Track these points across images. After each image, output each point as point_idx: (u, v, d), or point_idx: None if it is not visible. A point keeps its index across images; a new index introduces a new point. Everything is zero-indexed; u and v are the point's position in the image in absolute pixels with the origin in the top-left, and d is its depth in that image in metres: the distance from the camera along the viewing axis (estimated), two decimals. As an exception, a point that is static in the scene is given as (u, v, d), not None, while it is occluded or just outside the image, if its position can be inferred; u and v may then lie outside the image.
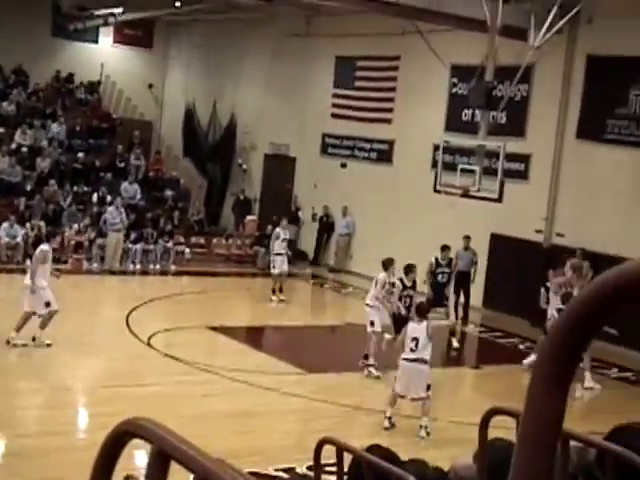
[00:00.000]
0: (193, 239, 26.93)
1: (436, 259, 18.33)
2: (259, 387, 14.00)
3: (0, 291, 20.63)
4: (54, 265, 16.31)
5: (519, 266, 21.12)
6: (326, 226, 27.54)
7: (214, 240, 27.58)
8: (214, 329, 18.13)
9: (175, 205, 28.27)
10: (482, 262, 21.48)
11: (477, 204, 20.30)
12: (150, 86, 34.03)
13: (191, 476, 1.20)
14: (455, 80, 23.44)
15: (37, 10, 30.36)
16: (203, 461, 1.15)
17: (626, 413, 10.89)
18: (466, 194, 19.54)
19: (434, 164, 22.34)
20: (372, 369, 15.12)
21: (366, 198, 25.79)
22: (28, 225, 23.73)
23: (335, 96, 27.28)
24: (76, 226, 24.53)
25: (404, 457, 4.65)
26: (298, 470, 10.46)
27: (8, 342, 14.93)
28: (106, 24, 30.52)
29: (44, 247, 15.50)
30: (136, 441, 1.28)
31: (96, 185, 27.21)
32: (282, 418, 12.91)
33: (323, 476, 4.87)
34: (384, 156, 25.81)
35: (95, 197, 26.52)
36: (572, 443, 2.62)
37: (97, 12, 29.76)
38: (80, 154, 28.27)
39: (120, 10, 28.85)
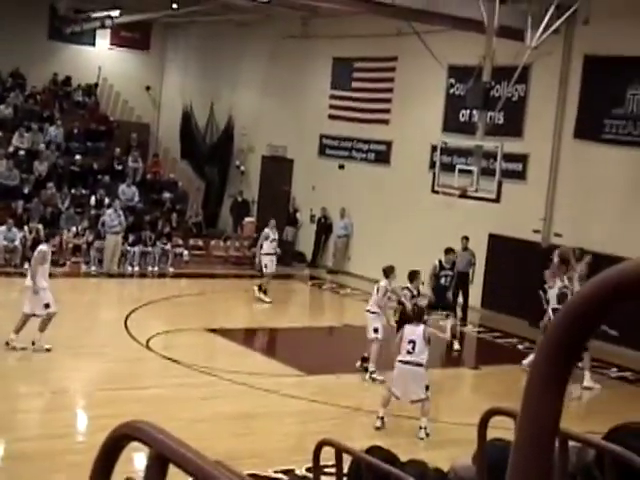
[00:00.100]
0: (191, 241, 26.93)
1: (440, 262, 18.26)
2: (258, 389, 13.99)
3: (-2, 294, 20.60)
4: (51, 267, 16.27)
5: (517, 266, 21.13)
6: (324, 227, 27.54)
7: (212, 242, 27.59)
8: (213, 331, 18.13)
9: (173, 207, 28.27)
10: (480, 262, 21.50)
11: (475, 204, 20.30)
12: (147, 88, 34.04)
13: (190, 479, 1.20)
14: (452, 81, 23.45)
15: (34, 13, 30.36)
16: (201, 464, 1.15)
17: (625, 413, 10.88)
18: (464, 195, 19.54)
19: (432, 165, 22.34)
20: (375, 375, 15.04)
21: (364, 199, 25.80)
22: (26, 228, 23.72)
23: (332, 97, 27.29)
24: (74, 229, 24.52)
25: (403, 458, 4.65)
26: (297, 472, 10.47)
27: (7, 344, 14.92)
28: (103, 27, 30.51)
29: (43, 247, 15.49)
30: (135, 444, 1.28)
31: (94, 188, 27.21)
32: (281, 420, 12.91)
33: (322, 478, 4.87)
34: (382, 157, 25.82)
35: (93, 200, 26.51)
36: (571, 443, 2.62)
37: (94, 15, 29.74)
38: (78, 157, 28.26)
39: (117, 13, 28.85)
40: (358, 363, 15.63)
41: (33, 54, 30.55)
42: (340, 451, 4.20)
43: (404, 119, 24.86)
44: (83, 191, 27.06)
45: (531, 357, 16.04)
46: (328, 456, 4.46)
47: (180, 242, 26.12)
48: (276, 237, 22.35)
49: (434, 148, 22.24)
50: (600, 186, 20.01)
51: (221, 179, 31.38)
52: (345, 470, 4.34)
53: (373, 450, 4.51)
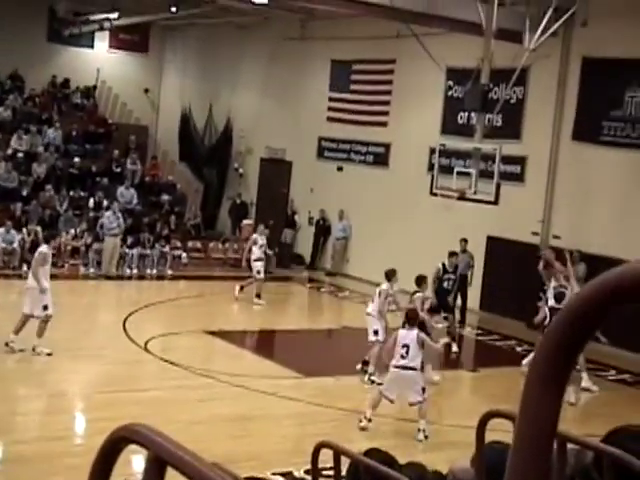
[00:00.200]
0: (190, 243, 26.92)
1: (443, 265, 18.22)
2: (256, 391, 13.98)
3: (-3, 297, 20.59)
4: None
5: (516, 269, 21.13)
6: (323, 230, 27.54)
7: (211, 244, 27.57)
8: (211, 333, 18.12)
9: (172, 210, 28.27)
10: (479, 265, 21.51)
11: (473, 207, 20.30)
12: (146, 91, 34.05)
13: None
14: (451, 83, 23.47)
15: (33, 15, 30.38)
16: (199, 467, 1.14)
17: (624, 415, 10.89)
18: (462, 197, 19.55)
19: (430, 167, 22.34)
20: (374, 377, 15.01)
21: (362, 201, 25.80)
22: (25, 230, 23.70)
23: (331, 99, 27.31)
24: (73, 231, 24.51)
25: (402, 461, 4.65)
26: (296, 474, 10.46)
27: (7, 344, 14.92)
28: (102, 29, 30.55)
29: (43, 249, 15.48)
30: (133, 446, 1.27)
31: (92, 190, 27.22)
32: (279, 422, 12.90)
33: (321, 480, 4.86)
34: (380, 159, 25.83)
35: (91, 202, 26.52)
36: (569, 446, 2.62)
37: (93, 17, 29.77)
38: (76, 159, 28.27)
39: (115, 15, 28.87)
40: (359, 366, 15.61)
41: (32, 56, 30.56)
42: (338, 453, 4.20)
43: (402, 121, 24.88)
44: (82, 193, 27.05)
45: (530, 357, 16.05)
46: (326, 458, 4.46)
47: (178, 244, 26.11)
48: (265, 242, 22.33)
49: (432, 150, 22.25)
50: (598, 188, 20.03)
51: (220, 181, 31.39)
52: (343, 472, 4.33)
53: (371, 452, 4.51)
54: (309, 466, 4.78)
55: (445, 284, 18.04)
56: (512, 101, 21.64)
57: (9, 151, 27.53)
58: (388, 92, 25.48)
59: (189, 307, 21.06)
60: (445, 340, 14.84)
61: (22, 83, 31.23)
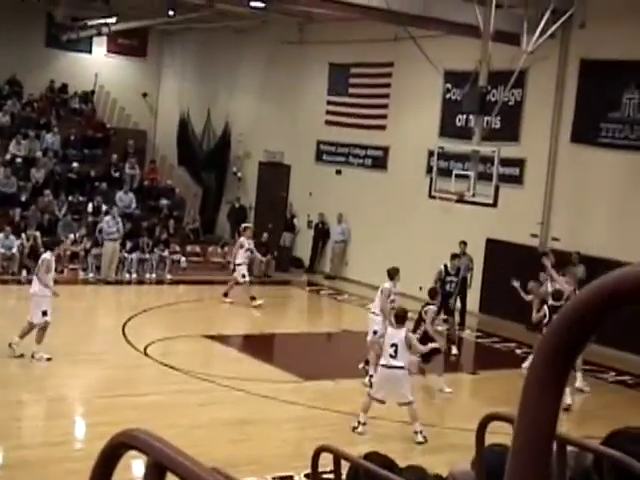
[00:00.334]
0: (189, 248, 26.92)
1: (445, 267, 18.21)
2: (256, 395, 13.98)
3: (-4, 302, 20.59)
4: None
5: (515, 271, 21.07)
6: (321, 233, 27.55)
7: (210, 248, 27.56)
8: (211, 337, 18.12)
9: (170, 214, 28.26)
10: (478, 267, 21.52)
11: (472, 209, 20.31)
12: (144, 95, 34.04)
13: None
14: (449, 86, 23.49)
15: (31, 20, 30.38)
16: (199, 472, 1.14)
17: (624, 417, 10.89)
18: (461, 200, 19.55)
19: (429, 170, 22.35)
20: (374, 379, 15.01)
21: (361, 205, 25.81)
22: (23, 236, 23.68)
23: (329, 103, 27.32)
24: (72, 236, 24.50)
25: (402, 464, 4.65)
26: (296, 478, 10.46)
27: (10, 345, 14.94)
28: (99, 34, 30.54)
29: (46, 256, 15.51)
30: (133, 451, 1.27)
31: (91, 195, 27.21)
32: (279, 426, 12.90)
33: (321, 484, 4.86)
34: (379, 162, 25.84)
35: (90, 207, 26.51)
36: (569, 448, 2.62)
37: (90, 22, 29.77)
38: (75, 164, 28.25)
39: (113, 20, 28.88)
40: (361, 365, 15.61)
41: (30, 61, 30.56)
42: (338, 457, 4.20)
43: (401, 124, 24.89)
44: (80, 198, 27.04)
45: (530, 359, 16.06)
46: (326, 462, 4.46)
47: (177, 249, 26.09)
48: (251, 247, 22.34)
49: (431, 153, 22.26)
50: (597, 190, 20.04)
51: (218, 185, 31.40)
52: (343, 476, 4.33)
53: (371, 456, 4.51)
54: (309, 470, 4.78)
55: (447, 286, 18.01)
56: (510, 103, 21.66)
57: (7, 156, 27.52)
58: (386, 95, 25.50)
59: (188, 311, 21.05)
60: (434, 345, 14.80)
61: (20, 88, 31.23)
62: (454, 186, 19.77)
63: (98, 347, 16.85)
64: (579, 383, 15.62)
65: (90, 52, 32.93)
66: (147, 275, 24.72)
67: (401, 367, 12.50)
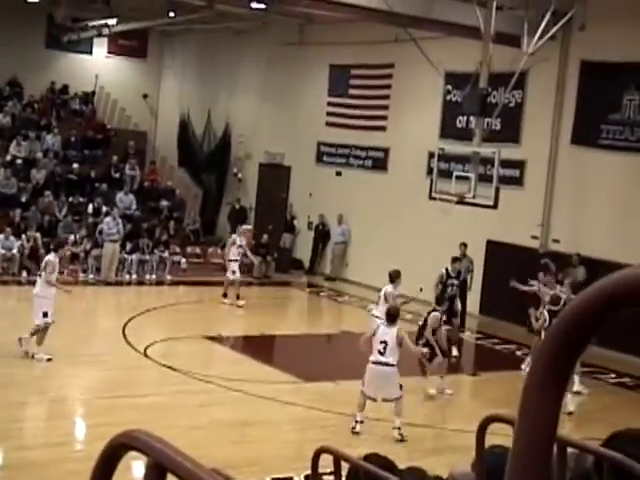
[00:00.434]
0: (189, 249, 26.92)
1: (446, 270, 18.14)
2: (256, 396, 13.97)
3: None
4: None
5: (516, 273, 21.10)
6: (322, 234, 27.55)
7: (210, 250, 27.57)
8: (211, 339, 18.12)
9: (171, 215, 28.26)
10: (478, 269, 21.51)
11: (473, 211, 20.31)
12: (145, 96, 34.04)
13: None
14: (449, 87, 23.49)
15: (31, 22, 30.37)
16: (199, 473, 1.14)
17: (624, 419, 10.89)
18: (461, 201, 19.55)
19: (429, 171, 22.35)
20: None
21: (362, 206, 25.81)
22: (24, 237, 23.69)
23: (329, 104, 27.32)
24: (72, 237, 24.49)
25: (402, 465, 4.65)
26: (296, 479, 10.45)
27: (20, 339, 15.04)
28: (100, 35, 30.55)
29: (50, 258, 15.55)
30: (133, 452, 1.27)
31: (91, 196, 27.20)
32: (279, 427, 12.89)
33: (321, 485, 4.86)
34: (379, 164, 25.84)
35: (90, 208, 26.50)
36: (569, 450, 2.62)
37: (91, 23, 29.77)
38: (75, 165, 28.25)
39: (114, 21, 28.89)
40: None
41: (30, 62, 30.56)
42: (338, 458, 4.20)
43: (401, 126, 24.89)
44: (81, 199, 27.03)
45: (529, 360, 16.07)
46: (326, 463, 4.46)
47: (178, 250, 26.10)
48: (243, 244, 22.43)
49: (431, 155, 22.26)
50: (597, 191, 20.04)
51: (218, 186, 31.40)
52: (343, 478, 4.33)
53: (371, 457, 4.51)
54: (309, 471, 4.78)
55: (449, 290, 17.94)
56: (511, 105, 21.66)
57: (8, 157, 27.51)
58: (387, 97, 25.50)
59: (188, 312, 21.04)
60: (422, 349, 14.80)
61: (21, 89, 31.24)
62: (454, 187, 19.77)
63: (98, 348, 16.85)
64: (577, 386, 15.61)
65: (91, 53, 32.94)
66: (147, 276, 24.72)
67: (389, 364, 12.56)
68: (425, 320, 15.11)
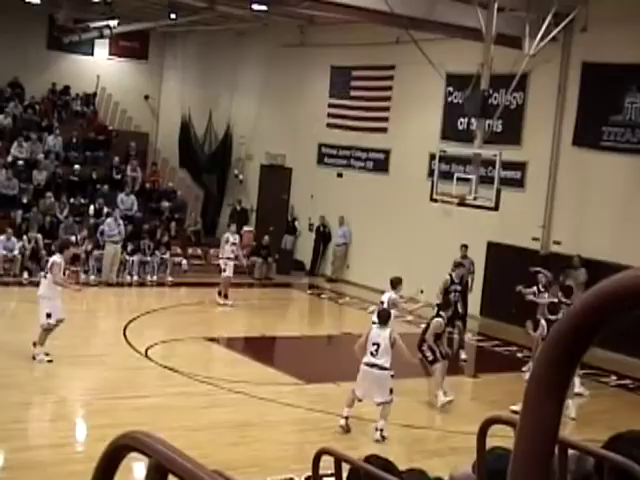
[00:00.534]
0: (190, 250, 26.91)
1: (450, 276, 18.02)
2: (257, 398, 13.98)
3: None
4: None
5: (517, 274, 21.09)
6: (323, 236, 27.55)
7: (211, 251, 27.53)
8: (212, 340, 18.12)
9: (172, 216, 28.26)
10: (479, 271, 21.49)
11: (474, 213, 20.30)
12: (146, 98, 34.07)
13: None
14: (450, 89, 23.49)
15: (33, 23, 30.40)
16: (201, 474, 1.14)
17: (625, 421, 10.89)
18: (463, 203, 19.54)
19: (430, 173, 22.34)
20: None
21: (363, 208, 25.81)
22: (25, 238, 23.70)
23: (330, 106, 27.32)
24: (73, 238, 24.48)
25: (403, 467, 4.65)
26: (297, 480, 10.45)
27: (34, 344, 15.10)
28: (101, 36, 30.55)
29: (56, 259, 15.56)
30: (134, 453, 1.27)
31: (93, 197, 27.20)
32: (280, 429, 12.89)
33: (322, 486, 4.86)
34: (380, 165, 25.84)
35: (92, 209, 26.50)
36: (570, 452, 2.62)
37: (92, 24, 29.78)
38: (76, 166, 28.26)
39: (115, 22, 28.90)
40: None
41: (32, 64, 30.58)
42: (339, 460, 4.19)
43: (402, 127, 24.89)
44: (82, 200, 27.04)
45: (530, 364, 16.05)
46: (327, 465, 4.45)
47: (179, 251, 26.11)
48: (236, 241, 22.48)
49: (432, 156, 22.26)
50: (599, 193, 20.04)
51: (220, 188, 31.41)
52: (344, 479, 4.33)
53: (372, 459, 4.51)
54: (310, 473, 4.77)
55: (452, 296, 17.82)
56: (512, 107, 21.65)
57: (9, 158, 27.52)
58: (388, 98, 25.51)
59: (190, 314, 21.05)
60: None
61: (22, 91, 31.25)
62: (455, 189, 19.77)
63: (99, 349, 16.85)
64: (577, 388, 15.60)
65: (92, 54, 32.96)
66: (148, 277, 24.72)
67: (381, 367, 12.56)
68: (428, 325, 15.06)
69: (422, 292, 18.00)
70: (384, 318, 13.04)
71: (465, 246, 20.43)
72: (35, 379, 14.52)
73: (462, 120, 22.93)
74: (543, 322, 14.86)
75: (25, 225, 24.65)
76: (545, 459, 1.10)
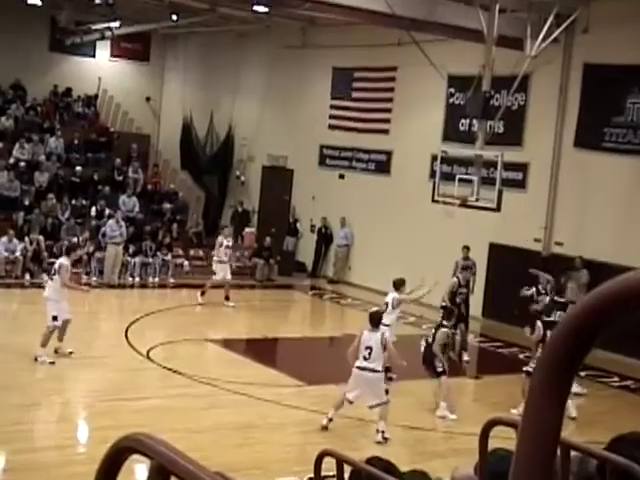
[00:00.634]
0: (192, 252, 26.90)
1: (458, 279, 18.05)
2: (259, 399, 13.97)
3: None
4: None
5: (518, 275, 21.09)
6: (324, 237, 27.54)
7: (213, 252, 27.52)
8: (214, 341, 18.11)
9: (173, 218, 28.26)
10: (481, 272, 21.48)
11: (475, 214, 20.30)
12: (147, 99, 34.08)
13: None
14: (452, 90, 23.48)
15: (34, 25, 30.42)
16: (203, 476, 1.15)
17: (627, 422, 10.88)
18: (464, 204, 19.54)
19: (432, 174, 22.35)
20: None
21: (364, 209, 25.81)
22: (27, 239, 23.71)
23: (332, 107, 27.33)
24: (75, 240, 24.50)
25: (404, 468, 4.65)
26: (299, 482, 10.45)
27: (56, 350, 15.31)
28: (103, 38, 30.58)
29: (63, 261, 15.62)
30: (137, 455, 1.28)
31: (94, 199, 27.20)
32: (282, 430, 12.88)
33: (324, 488, 4.86)
34: (382, 167, 25.84)
35: (93, 210, 26.51)
36: (573, 453, 2.62)
37: (94, 26, 29.80)
38: (78, 168, 28.27)
39: (117, 24, 28.91)
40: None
41: (34, 66, 30.60)
42: (341, 461, 4.19)
43: (404, 129, 24.89)
44: (84, 202, 27.05)
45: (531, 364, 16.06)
46: (329, 466, 4.46)
47: (181, 252, 26.11)
48: (230, 244, 22.53)
49: (434, 157, 22.26)
50: (600, 194, 20.03)
51: (221, 189, 31.41)
52: (346, 480, 4.33)
53: (373, 460, 4.51)
54: (312, 474, 4.78)
55: (458, 299, 17.83)
56: (514, 108, 21.65)
57: (11, 160, 27.53)
58: (389, 99, 25.51)
59: (191, 315, 21.05)
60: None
61: (24, 92, 31.26)
62: (457, 190, 19.77)
63: (101, 351, 16.85)
64: (574, 388, 15.56)
65: (94, 56, 32.97)
66: (150, 279, 24.72)
67: (374, 370, 12.56)
68: (433, 337, 14.84)
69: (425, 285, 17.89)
70: (375, 321, 13.03)
71: (467, 247, 20.41)
72: (37, 380, 14.53)
73: (464, 121, 22.93)
74: (539, 324, 14.84)
75: (27, 227, 24.66)
76: (547, 461, 1.10)
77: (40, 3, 28.66)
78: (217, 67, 31.42)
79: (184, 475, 1.17)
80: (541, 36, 18.88)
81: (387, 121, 25.59)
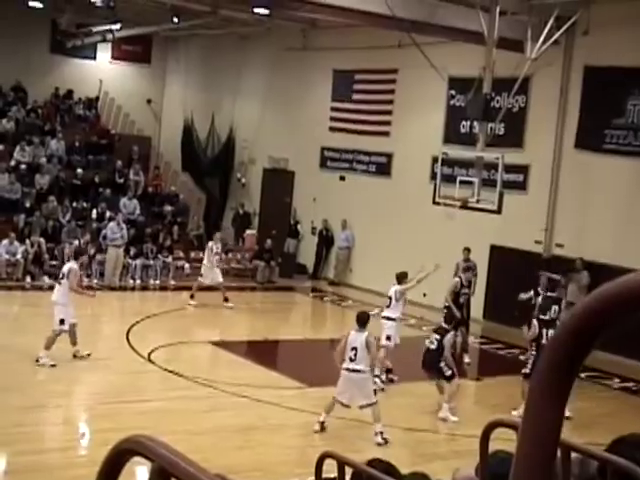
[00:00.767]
0: (193, 254, 26.88)
1: (460, 279, 18.06)
2: (260, 401, 13.97)
3: None
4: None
5: (519, 277, 21.09)
6: (325, 239, 27.54)
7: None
8: (214, 344, 18.11)
9: (174, 220, 28.26)
10: (482, 274, 21.48)
11: (476, 216, 20.29)
12: (148, 102, 34.09)
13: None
14: (453, 92, 23.49)
15: (35, 27, 30.44)
16: (203, 478, 1.15)
17: (628, 424, 10.87)
18: (465, 206, 19.53)
19: (433, 176, 22.34)
20: (377, 379, 14.96)
21: (365, 211, 25.81)
22: (28, 242, 23.71)
23: (333, 109, 27.34)
24: (76, 242, 24.49)
25: (405, 470, 4.65)
26: (300, 484, 10.44)
27: (75, 356, 15.44)
28: (104, 40, 30.59)
29: (73, 265, 15.70)
30: (137, 457, 1.28)
31: (95, 201, 27.21)
32: (283, 432, 12.88)
33: (325, 490, 4.86)
34: (383, 169, 25.84)
35: (94, 213, 26.52)
36: (573, 455, 2.61)
37: (95, 29, 29.81)
38: (79, 170, 28.27)
39: (118, 26, 28.91)
40: (383, 376, 15.59)
41: (35, 68, 30.63)
42: (342, 463, 4.19)
43: (405, 131, 24.89)
44: (84, 204, 27.05)
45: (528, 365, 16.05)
46: (330, 468, 4.46)
47: (181, 255, 26.11)
48: (219, 250, 22.56)
49: (435, 159, 22.25)
50: (601, 196, 20.03)
51: (222, 191, 31.42)
52: (347, 483, 4.33)
53: (374, 462, 4.51)
54: (313, 476, 4.77)
55: (461, 299, 17.83)
56: (514, 110, 21.66)
57: (12, 163, 27.55)
58: (390, 102, 25.51)
59: (192, 317, 21.05)
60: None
61: (25, 95, 31.28)
62: (458, 192, 19.75)
63: (102, 353, 16.83)
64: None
65: (94, 58, 32.98)
66: (151, 281, 24.73)
67: (360, 371, 12.57)
68: (438, 342, 14.66)
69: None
70: (362, 321, 13.03)
71: (468, 249, 20.40)
72: (38, 383, 14.53)
73: (464, 123, 22.94)
74: (535, 322, 14.83)
75: (28, 229, 24.66)
76: (547, 462, 1.10)
77: (41, 6, 28.70)
78: (218, 69, 31.43)
79: (185, 477, 1.17)
80: (541, 38, 18.87)
81: (388, 123, 25.60)
